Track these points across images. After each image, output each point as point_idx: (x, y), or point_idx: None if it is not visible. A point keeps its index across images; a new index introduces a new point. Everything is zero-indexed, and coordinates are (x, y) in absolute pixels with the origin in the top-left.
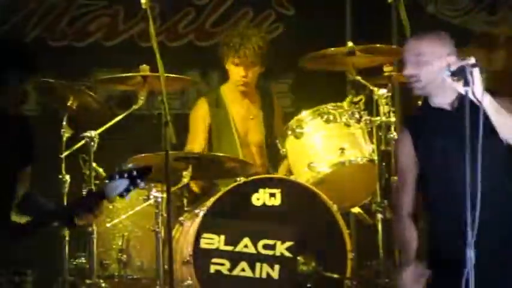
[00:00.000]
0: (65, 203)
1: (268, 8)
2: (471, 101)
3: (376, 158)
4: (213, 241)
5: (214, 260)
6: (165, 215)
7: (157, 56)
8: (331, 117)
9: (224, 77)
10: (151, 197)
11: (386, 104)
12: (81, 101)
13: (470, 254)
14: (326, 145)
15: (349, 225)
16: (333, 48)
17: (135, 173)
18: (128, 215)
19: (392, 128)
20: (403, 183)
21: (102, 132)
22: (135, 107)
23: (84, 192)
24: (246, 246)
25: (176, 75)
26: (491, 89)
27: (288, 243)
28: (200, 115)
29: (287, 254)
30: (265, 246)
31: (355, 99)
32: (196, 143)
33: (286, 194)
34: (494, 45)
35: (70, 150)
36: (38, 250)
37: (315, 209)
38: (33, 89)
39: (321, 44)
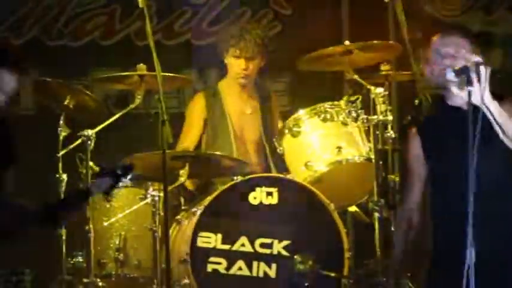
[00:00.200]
0: (47, 204)
1: (265, 7)
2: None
3: (373, 156)
4: (210, 240)
5: (211, 259)
6: (162, 213)
7: (154, 54)
8: (328, 116)
9: (221, 75)
10: (148, 195)
11: (384, 103)
12: (78, 100)
13: (471, 252)
14: (323, 144)
15: (346, 224)
16: (330, 48)
17: (118, 171)
18: (125, 214)
19: (389, 127)
20: (409, 183)
21: (99, 131)
22: (132, 106)
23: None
24: (243, 245)
25: (173, 74)
26: (499, 91)
27: (285, 242)
28: (196, 110)
29: (284, 252)
30: (263, 245)
31: (352, 98)
32: (189, 138)
33: (283, 193)
34: (491, 45)
35: (67, 149)
36: (35, 249)
37: (312, 208)
38: (30, 88)
39: (318, 43)
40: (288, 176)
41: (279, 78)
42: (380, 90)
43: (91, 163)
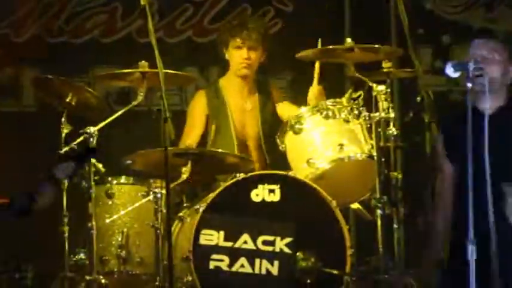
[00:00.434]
0: (18, 193)
1: (266, 4)
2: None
3: (375, 153)
4: (213, 237)
5: (213, 256)
6: (164, 211)
7: (156, 52)
8: (330, 113)
9: (223, 72)
10: (150, 193)
11: (385, 100)
12: (80, 97)
13: (472, 250)
14: (325, 141)
15: (349, 221)
16: (331, 46)
17: (80, 155)
18: (127, 211)
19: (391, 124)
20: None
21: (101, 129)
22: (134, 103)
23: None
24: (245, 242)
25: (175, 72)
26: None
27: (288, 239)
28: (198, 108)
29: (286, 250)
30: (265, 242)
31: (354, 95)
32: (192, 136)
33: (286, 190)
34: None
35: (69, 146)
36: (37, 246)
37: (314, 205)
38: (31, 85)
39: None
40: (290, 173)
41: (280, 75)
42: (382, 87)
43: (93, 160)
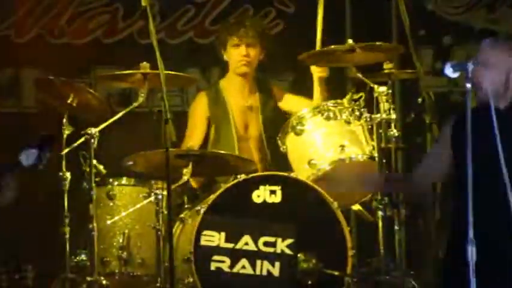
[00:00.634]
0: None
1: (268, 5)
2: None
3: (376, 155)
4: (214, 238)
5: (214, 258)
6: (165, 212)
7: (157, 53)
8: (332, 115)
9: (224, 73)
10: (151, 194)
11: (387, 101)
12: (82, 98)
13: (472, 250)
14: (326, 142)
15: (350, 223)
16: (333, 46)
17: (42, 142)
18: (129, 212)
19: (393, 125)
20: (422, 162)
21: (102, 130)
22: (135, 104)
23: None
24: (246, 243)
25: (176, 73)
26: None
27: (289, 241)
28: (199, 109)
29: (288, 251)
30: (266, 244)
31: (356, 97)
32: (194, 138)
33: (287, 191)
34: None
35: (70, 147)
36: (38, 247)
37: (316, 206)
38: (33, 86)
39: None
40: (292, 174)
41: (281, 76)
42: (383, 88)
43: (94, 161)
